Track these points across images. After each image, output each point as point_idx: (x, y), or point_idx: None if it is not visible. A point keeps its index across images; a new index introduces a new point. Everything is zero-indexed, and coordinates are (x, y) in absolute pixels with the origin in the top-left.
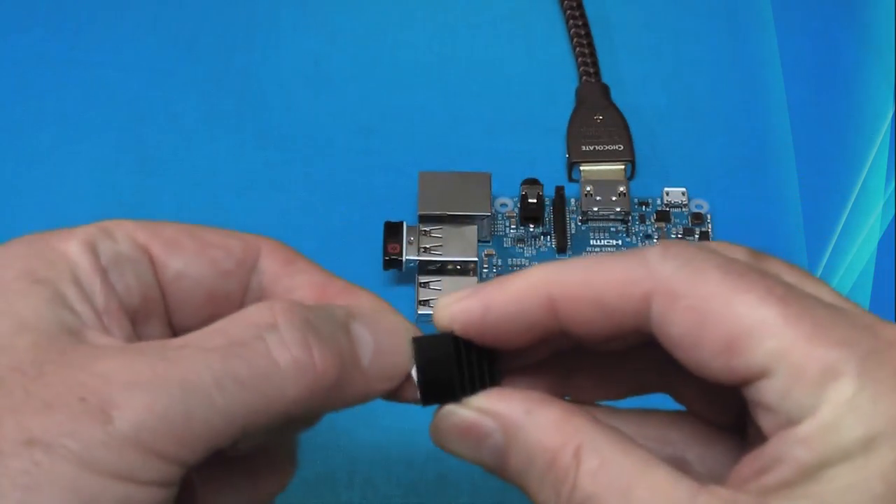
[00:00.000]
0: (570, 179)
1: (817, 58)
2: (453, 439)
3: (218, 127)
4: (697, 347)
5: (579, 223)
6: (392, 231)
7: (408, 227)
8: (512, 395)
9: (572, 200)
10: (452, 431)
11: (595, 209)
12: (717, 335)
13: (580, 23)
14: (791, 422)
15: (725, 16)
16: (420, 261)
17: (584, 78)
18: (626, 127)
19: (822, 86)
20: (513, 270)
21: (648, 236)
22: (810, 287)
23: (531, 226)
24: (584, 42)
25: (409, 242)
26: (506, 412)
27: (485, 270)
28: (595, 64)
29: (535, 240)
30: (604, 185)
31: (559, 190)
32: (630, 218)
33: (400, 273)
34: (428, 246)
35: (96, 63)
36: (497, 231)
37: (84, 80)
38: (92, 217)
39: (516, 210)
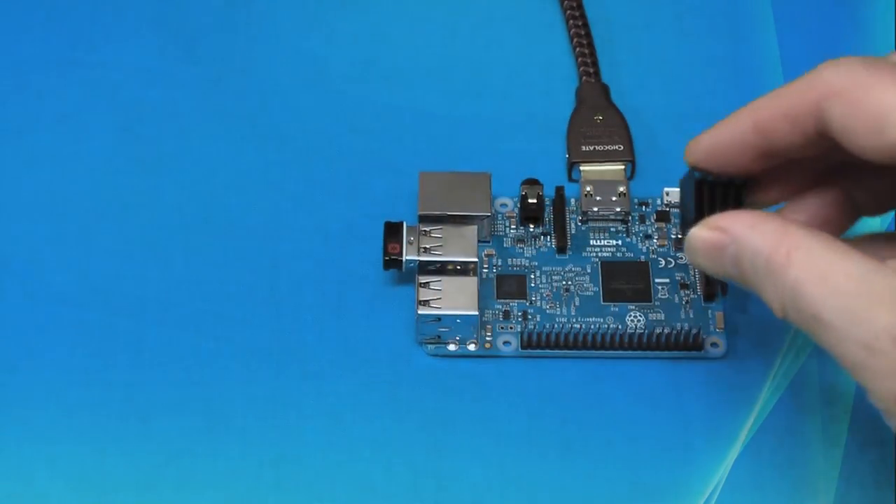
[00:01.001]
0: (570, 179)
1: (817, 58)
2: (700, 255)
3: (218, 127)
4: (854, 133)
5: (579, 223)
6: (392, 231)
7: (408, 227)
8: (740, 214)
9: (572, 200)
10: (699, 248)
11: (595, 209)
12: (866, 118)
13: (580, 23)
14: None
15: (725, 16)
16: (420, 261)
17: (584, 78)
18: (626, 127)
19: None
20: (513, 271)
21: (648, 236)
22: None
23: (531, 226)
24: (584, 42)
25: (409, 242)
26: (734, 226)
27: (485, 270)
28: (595, 64)
29: (535, 240)
30: (604, 185)
31: (559, 190)
32: (630, 218)
33: (400, 273)
34: (428, 246)
35: (96, 63)
36: (497, 231)
37: (84, 80)
38: (91, 217)
39: (516, 210)
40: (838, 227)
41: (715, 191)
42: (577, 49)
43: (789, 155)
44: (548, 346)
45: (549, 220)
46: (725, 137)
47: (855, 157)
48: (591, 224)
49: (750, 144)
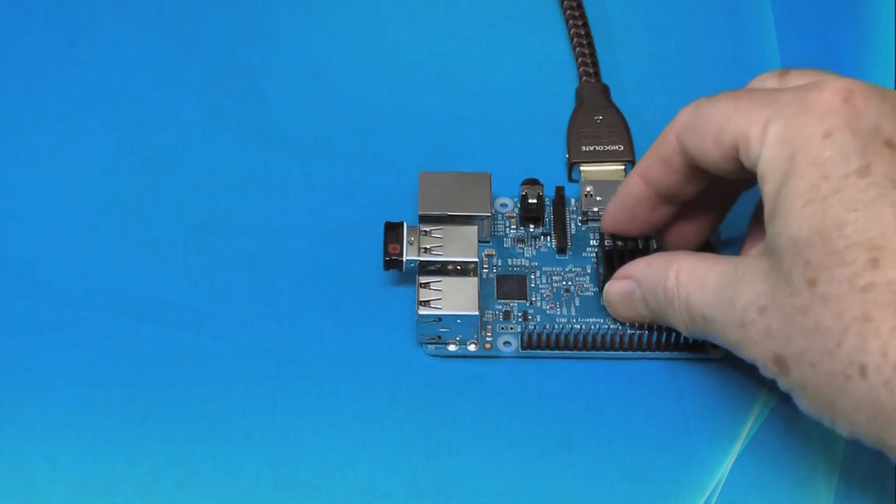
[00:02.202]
0: (570, 180)
1: (817, 58)
2: (618, 306)
3: (218, 127)
4: (704, 151)
5: (579, 223)
6: (392, 231)
7: (408, 227)
8: (637, 260)
9: (572, 201)
10: (614, 300)
11: (595, 209)
12: (708, 134)
13: (580, 23)
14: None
15: (725, 16)
16: (420, 261)
17: (584, 78)
18: (626, 127)
19: None
20: (513, 271)
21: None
22: (794, 79)
23: (531, 226)
24: (584, 42)
25: (410, 243)
26: (634, 270)
27: (485, 271)
28: (595, 64)
29: (535, 240)
30: (604, 185)
31: (559, 190)
32: None
33: (400, 273)
34: (428, 246)
35: (96, 63)
36: (497, 231)
37: (84, 80)
38: (92, 217)
39: (516, 210)
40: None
41: (624, 257)
42: (577, 49)
43: (678, 194)
44: (548, 347)
45: (550, 221)
46: (623, 199)
47: (721, 179)
48: (591, 224)
49: (644, 197)
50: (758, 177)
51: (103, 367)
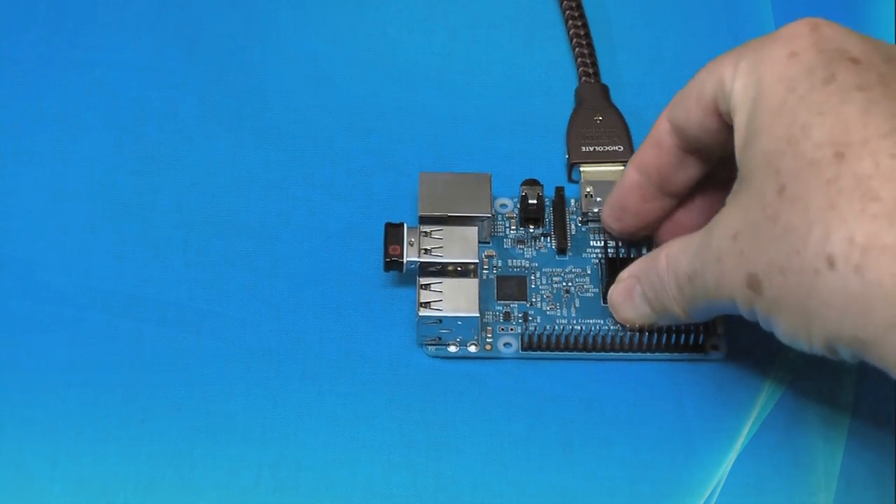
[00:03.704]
0: (570, 180)
1: None
2: (622, 308)
3: (217, 127)
4: (688, 113)
5: (579, 224)
6: (393, 233)
7: (408, 228)
8: (635, 261)
9: (572, 201)
10: (618, 302)
11: (595, 210)
12: (690, 97)
13: (579, 23)
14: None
15: (725, 16)
16: (421, 262)
17: (584, 78)
18: (626, 127)
19: None
20: (513, 272)
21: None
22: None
23: (531, 227)
24: (584, 42)
25: (410, 244)
26: (631, 268)
27: (485, 271)
28: (594, 64)
29: (535, 241)
30: (604, 185)
31: (559, 191)
32: None
33: (400, 275)
34: (428, 247)
35: (96, 63)
36: (497, 232)
37: (84, 80)
38: (92, 217)
39: (516, 211)
40: None
41: (627, 263)
42: (577, 49)
43: (671, 181)
44: (548, 348)
45: (550, 221)
46: (619, 189)
47: (708, 149)
48: (591, 225)
49: (637, 185)
50: (732, 114)
51: (103, 367)
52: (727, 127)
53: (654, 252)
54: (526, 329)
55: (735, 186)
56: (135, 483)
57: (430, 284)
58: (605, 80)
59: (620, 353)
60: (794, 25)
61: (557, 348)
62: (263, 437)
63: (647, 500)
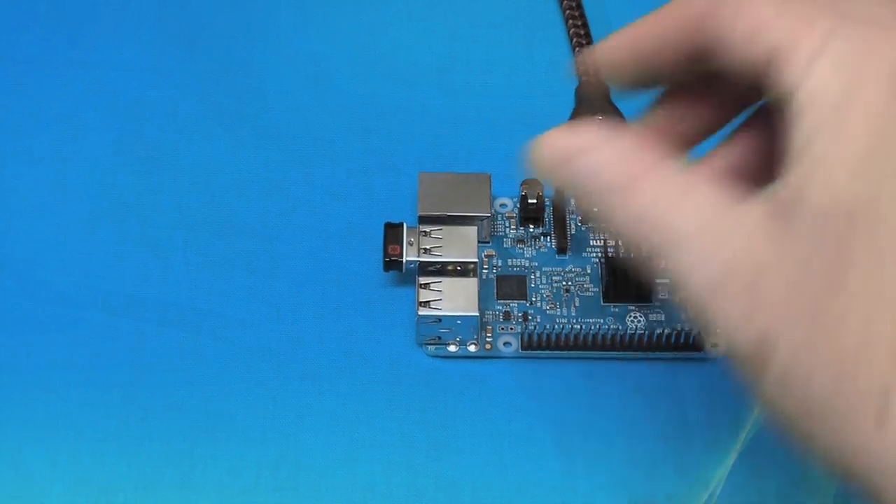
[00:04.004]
0: None
1: None
2: (546, 162)
3: (217, 127)
4: (728, 45)
5: (579, 223)
6: (392, 232)
7: (408, 228)
8: (593, 126)
9: (572, 201)
10: (545, 155)
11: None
12: (739, 28)
13: (579, 23)
14: (792, 97)
15: None
16: (420, 262)
17: (584, 78)
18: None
19: None
20: (513, 272)
21: None
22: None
23: (531, 226)
24: (584, 42)
25: (410, 243)
26: (590, 140)
27: (485, 271)
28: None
29: (534, 240)
30: None
31: (559, 190)
32: None
33: (400, 274)
34: (428, 247)
35: (96, 63)
36: (497, 231)
37: (84, 80)
38: (92, 217)
39: (516, 210)
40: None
41: (627, 269)
42: (577, 49)
43: (658, 73)
44: (548, 347)
45: (549, 221)
46: (599, 58)
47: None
48: (591, 224)
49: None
50: (792, 100)
51: (103, 367)
52: (770, 87)
53: (627, 137)
54: (526, 328)
55: (772, 190)
56: (135, 483)
57: (429, 284)
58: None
59: (620, 353)
60: None
61: (557, 348)
62: (263, 437)
63: (648, 500)
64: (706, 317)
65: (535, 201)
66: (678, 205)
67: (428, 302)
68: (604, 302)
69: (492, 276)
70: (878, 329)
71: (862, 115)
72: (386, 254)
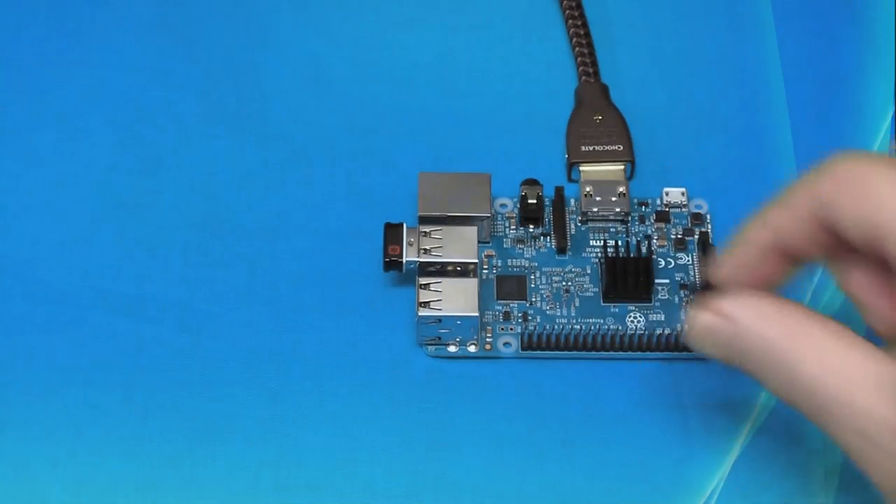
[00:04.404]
0: (570, 180)
1: (817, 58)
2: (700, 341)
3: (218, 127)
4: (844, 226)
5: (579, 224)
6: (392, 233)
7: (408, 228)
8: (743, 299)
9: (572, 201)
10: (699, 334)
11: (595, 210)
12: (860, 219)
13: (579, 22)
14: None
15: (725, 16)
16: (420, 262)
17: (584, 78)
18: (625, 127)
19: (822, 86)
20: (513, 272)
21: (648, 236)
22: None
23: (531, 226)
24: (584, 42)
25: (410, 244)
26: (739, 314)
27: (485, 271)
28: (594, 64)
29: (534, 240)
30: (603, 185)
31: (559, 190)
32: (630, 218)
33: (400, 275)
34: (428, 247)
35: (96, 63)
36: (497, 232)
37: (84, 80)
38: (92, 217)
39: (516, 211)
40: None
41: (627, 266)
42: (577, 49)
43: (806, 253)
44: (548, 348)
45: (549, 221)
46: (743, 249)
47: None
48: (590, 224)
49: (767, 248)
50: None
51: (103, 367)
52: (887, 258)
53: (776, 310)
54: (526, 329)
55: None
56: (135, 483)
57: (429, 284)
58: (605, 80)
59: (620, 353)
60: None
61: (557, 348)
62: (263, 437)
63: (647, 500)
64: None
65: (535, 201)
66: (835, 374)
67: (428, 302)
68: (604, 302)
69: (492, 276)
70: None
71: None
72: (386, 254)
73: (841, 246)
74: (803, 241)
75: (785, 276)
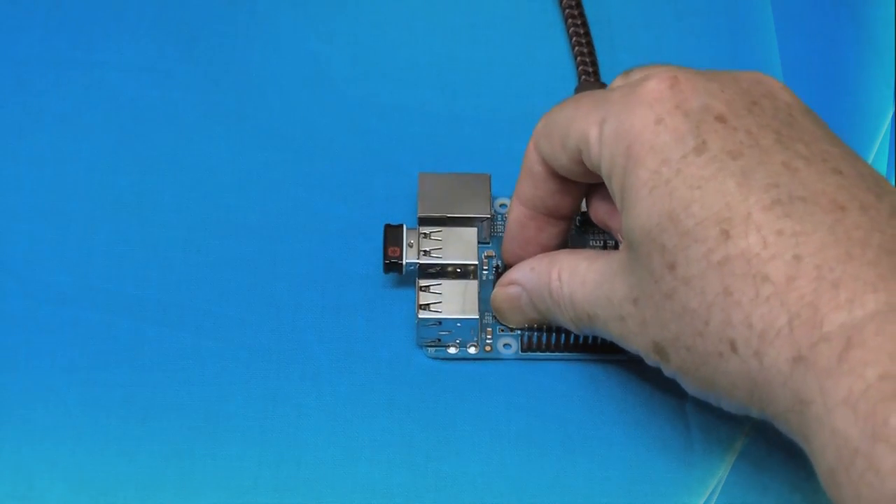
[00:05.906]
0: None
1: (817, 58)
2: (507, 313)
3: (217, 127)
4: (555, 158)
5: (577, 223)
6: (392, 234)
7: (408, 229)
8: (521, 264)
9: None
10: (503, 306)
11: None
12: (555, 140)
13: (579, 22)
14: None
15: (725, 16)
16: (420, 264)
17: (584, 78)
18: None
19: (822, 86)
20: None
21: None
22: (633, 76)
23: None
24: (583, 41)
25: (409, 245)
26: (519, 275)
27: (485, 272)
28: (594, 63)
29: None
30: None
31: None
32: None
33: (400, 276)
34: (428, 249)
35: (96, 63)
36: (497, 232)
37: (84, 80)
38: (92, 217)
39: None
40: None
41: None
42: (577, 49)
43: (557, 208)
44: (548, 349)
45: None
46: (510, 227)
47: (584, 178)
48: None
49: (527, 218)
50: (604, 178)
51: (103, 367)
52: (592, 173)
53: (543, 264)
54: (525, 330)
55: (624, 250)
56: (135, 483)
57: (429, 286)
58: (605, 79)
59: (620, 355)
60: (654, 83)
61: (557, 349)
62: (263, 437)
63: (647, 500)
64: (626, 348)
65: None
66: (583, 285)
67: (428, 305)
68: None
69: (492, 277)
70: (708, 297)
71: (641, 171)
72: (386, 256)
73: (576, 186)
74: (554, 198)
75: (553, 236)
